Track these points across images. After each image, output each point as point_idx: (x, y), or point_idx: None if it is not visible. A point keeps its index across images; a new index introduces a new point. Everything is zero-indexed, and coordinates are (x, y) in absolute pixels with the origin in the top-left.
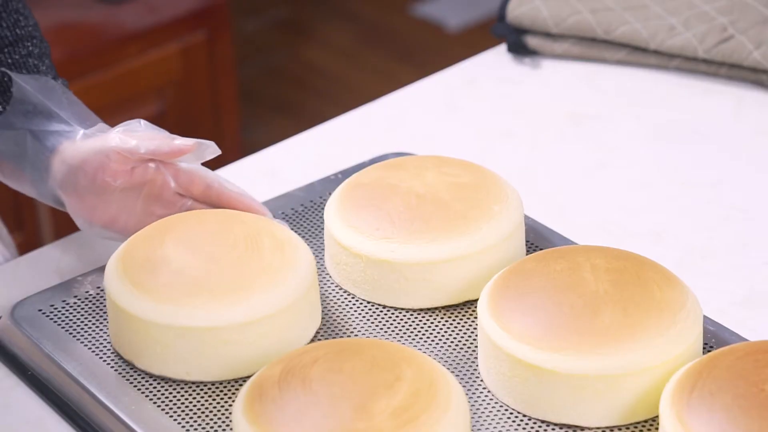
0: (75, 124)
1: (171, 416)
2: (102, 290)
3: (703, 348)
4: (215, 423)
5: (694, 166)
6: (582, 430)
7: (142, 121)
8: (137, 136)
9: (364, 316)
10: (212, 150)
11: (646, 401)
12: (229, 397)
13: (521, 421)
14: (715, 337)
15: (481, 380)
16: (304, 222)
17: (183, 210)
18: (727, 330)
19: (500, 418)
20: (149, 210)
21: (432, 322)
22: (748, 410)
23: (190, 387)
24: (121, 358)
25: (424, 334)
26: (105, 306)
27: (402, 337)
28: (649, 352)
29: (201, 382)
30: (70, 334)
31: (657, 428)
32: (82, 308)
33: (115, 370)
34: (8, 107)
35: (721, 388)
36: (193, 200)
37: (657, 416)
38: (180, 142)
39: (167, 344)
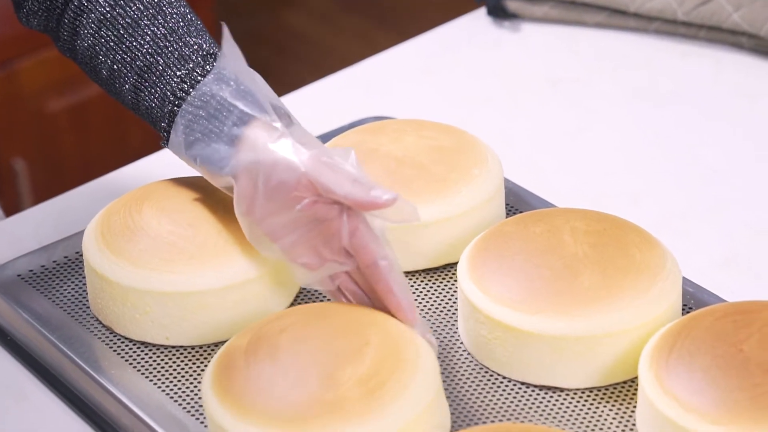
0: (273, 114)
1: (151, 380)
2: (81, 255)
3: (683, 309)
4: (196, 387)
5: (673, 128)
6: (562, 391)
7: (353, 154)
8: (338, 171)
9: None
10: (412, 215)
11: (625, 363)
12: (210, 361)
13: (501, 382)
14: (694, 299)
15: (461, 343)
16: None
17: (343, 269)
18: (706, 291)
19: (480, 380)
20: (317, 249)
21: (412, 286)
22: (727, 370)
23: (170, 351)
24: (101, 323)
25: None
26: (84, 271)
27: None
28: (628, 314)
29: (181, 347)
30: (49, 299)
31: (636, 389)
32: (61, 273)
33: (95, 335)
34: (214, 71)
35: (699, 348)
36: (356, 266)
37: (636, 377)
38: (379, 194)
39: (146, 310)
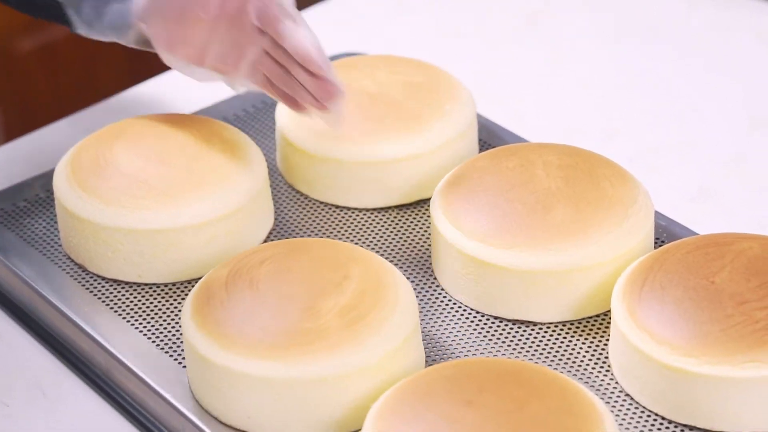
0: None
1: (124, 318)
2: (52, 193)
3: (655, 242)
4: (169, 324)
5: (647, 64)
6: (535, 325)
7: None
8: None
9: (317, 217)
10: (336, 123)
11: (597, 296)
12: (183, 298)
13: (474, 317)
14: (666, 232)
15: (435, 279)
16: (257, 123)
17: (258, 46)
18: (678, 224)
19: (453, 315)
20: (236, 42)
21: (385, 222)
22: (698, 302)
23: (142, 289)
24: (73, 261)
25: (377, 234)
26: (56, 209)
27: (355, 236)
28: (600, 247)
29: (154, 284)
30: (21, 237)
31: (609, 322)
32: (33, 211)
33: (68, 273)
34: None
35: (671, 281)
36: (269, 41)
37: (609, 311)
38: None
39: (117, 248)
